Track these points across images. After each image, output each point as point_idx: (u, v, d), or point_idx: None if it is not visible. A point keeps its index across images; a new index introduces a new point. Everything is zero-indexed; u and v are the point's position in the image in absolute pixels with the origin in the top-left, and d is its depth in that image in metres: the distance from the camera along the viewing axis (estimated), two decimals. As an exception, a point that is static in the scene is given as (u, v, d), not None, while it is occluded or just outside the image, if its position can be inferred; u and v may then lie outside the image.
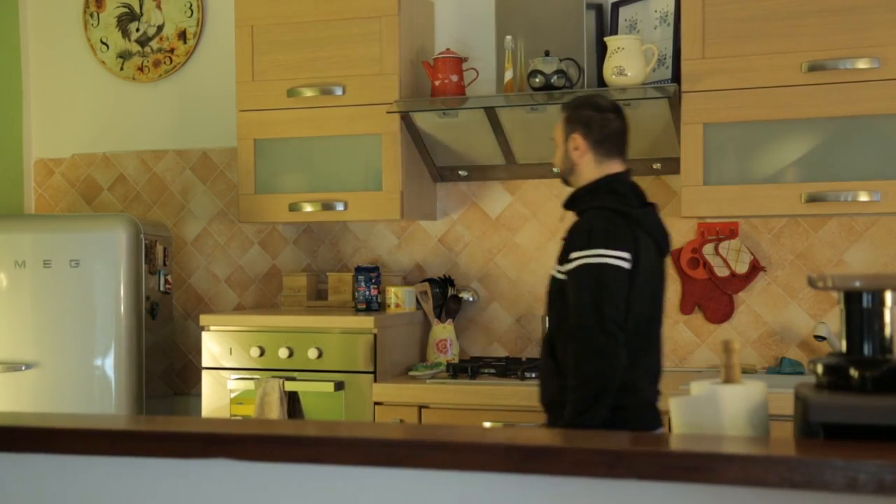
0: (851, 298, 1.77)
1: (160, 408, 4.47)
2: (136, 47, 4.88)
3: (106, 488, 1.94)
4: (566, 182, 3.14)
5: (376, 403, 3.88)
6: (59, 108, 5.03)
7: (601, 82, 3.92)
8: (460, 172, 4.33)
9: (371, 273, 4.27)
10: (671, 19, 3.93)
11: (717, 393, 1.80)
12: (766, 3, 3.70)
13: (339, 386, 3.92)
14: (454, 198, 4.43)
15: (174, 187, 4.84)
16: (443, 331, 4.25)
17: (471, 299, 4.36)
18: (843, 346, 1.78)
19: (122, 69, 4.91)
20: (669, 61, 3.92)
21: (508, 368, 3.95)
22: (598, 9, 4.12)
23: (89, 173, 4.97)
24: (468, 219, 4.42)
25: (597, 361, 2.84)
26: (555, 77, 3.90)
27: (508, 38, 4.03)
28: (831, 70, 3.62)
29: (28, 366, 4.25)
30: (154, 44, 4.85)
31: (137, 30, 4.88)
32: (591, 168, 3.05)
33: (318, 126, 4.22)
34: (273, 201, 4.29)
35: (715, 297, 4.10)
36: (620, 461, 1.64)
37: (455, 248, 4.43)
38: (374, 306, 4.26)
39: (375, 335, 3.92)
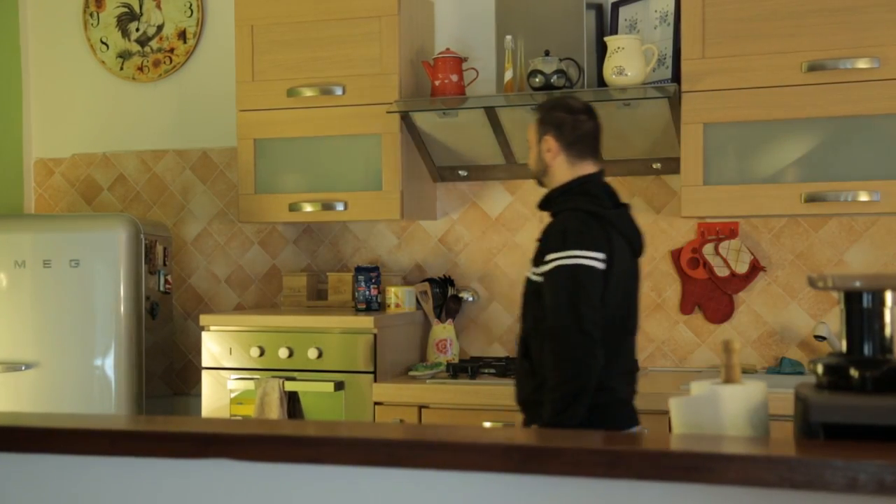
0: (851, 298, 1.77)
1: (160, 408, 4.47)
2: (135, 47, 4.88)
3: (106, 488, 1.94)
4: (540, 183, 3.17)
5: (376, 403, 3.88)
6: (59, 108, 5.03)
7: (601, 82, 3.92)
8: (460, 172, 4.33)
9: (371, 273, 4.27)
10: (671, 19, 3.93)
11: (717, 393, 1.80)
12: (766, 3, 3.70)
13: (339, 386, 3.92)
14: (454, 198, 4.43)
15: (174, 187, 4.84)
16: (443, 331, 4.25)
17: (471, 299, 4.36)
18: (844, 346, 1.78)
19: (121, 69, 4.91)
20: (669, 61, 3.92)
21: (508, 368, 3.95)
22: (598, 9, 4.12)
23: (89, 173, 4.97)
24: (468, 219, 4.42)
25: (575, 362, 2.86)
26: (555, 77, 3.90)
27: (508, 37, 4.03)
28: (831, 70, 3.62)
29: (28, 366, 4.25)
30: (154, 44, 4.85)
31: (137, 30, 4.88)
32: (564, 169, 3.08)
33: (318, 126, 4.22)
34: (273, 201, 4.29)
35: (715, 297, 4.10)
36: (620, 461, 1.64)
37: (455, 248, 4.43)
38: (374, 306, 4.26)
39: (375, 335, 3.92)
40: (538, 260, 2.99)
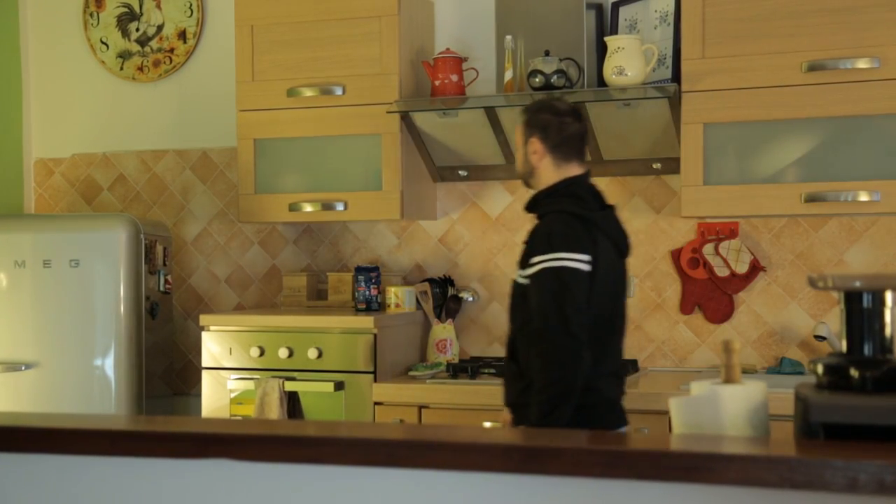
0: (852, 298, 1.77)
1: (160, 408, 4.47)
2: (135, 47, 4.88)
3: (106, 488, 1.94)
4: (527, 185, 3.19)
5: (376, 403, 3.88)
6: (59, 108, 5.03)
7: (601, 82, 3.92)
8: (460, 172, 4.33)
9: (371, 273, 4.27)
10: (671, 19, 3.93)
11: (717, 393, 1.80)
12: (766, 3, 3.70)
13: (339, 386, 3.92)
14: (454, 198, 4.43)
15: (174, 187, 4.84)
16: (443, 331, 4.25)
17: (471, 299, 4.36)
18: (844, 346, 1.78)
19: (121, 69, 4.91)
20: (669, 61, 3.92)
21: (508, 368, 3.95)
22: (598, 8, 4.12)
23: (89, 173, 4.97)
24: (468, 219, 4.42)
25: (561, 364, 2.88)
26: (555, 77, 3.90)
27: (508, 37, 4.03)
28: (831, 70, 3.62)
29: (28, 366, 4.25)
30: (154, 43, 4.85)
31: (137, 30, 4.88)
32: (549, 171, 3.09)
33: (318, 126, 4.22)
34: (273, 201, 4.29)
35: (715, 297, 4.10)
36: (620, 461, 1.64)
37: (455, 248, 4.43)
38: (374, 306, 4.26)
39: (375, 335, 3.92)
40: (524, 262, 3.01)
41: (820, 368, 1.77)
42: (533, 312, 2.94)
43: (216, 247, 4.78)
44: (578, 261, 2.91)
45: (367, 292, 4.26)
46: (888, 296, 1.75)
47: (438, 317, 4.30)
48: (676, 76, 3.86)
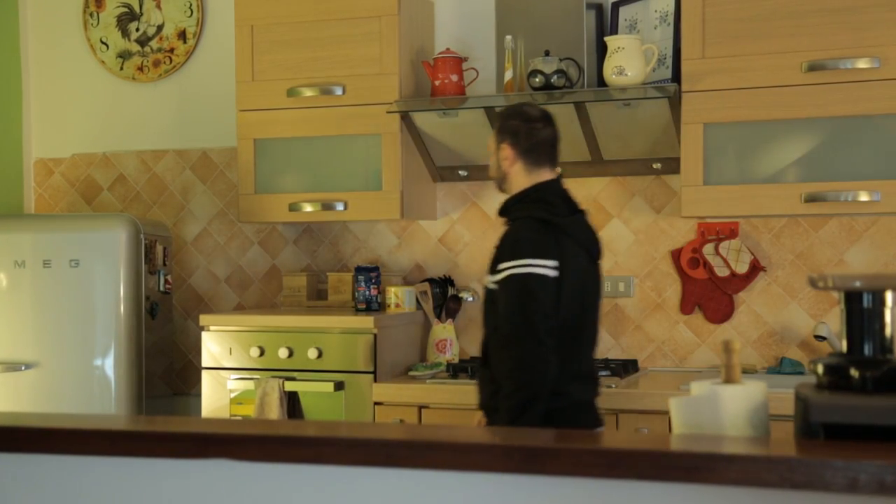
0: (852, 298, 1.77)
1: (160, 408, 4.47)
2: (135, 47, 4.88)
3: (106, 488, 1.93)
4: (500, 190, 3.23)
5: (376, 403, 3.88)
6: (59, 108, 5.03)
7: (601, 82, 3.92)
8: (460, 172, 4.33)
9: (371, 273, 4.27)
10: (671, 19, 3.93)
11: (717, 393, 1.80)
12: (766, 3, 3.70)
13: (339, 386, 3.92)
14: (454, 198, 4.43)
15: (174, 187, 4.84)
16: (443, 331, 4.25)
17: (471, 299, 4.36)
18: (844, 346, 1.78)
19: (121, 69, 4.91)
20: (669, 61, 3.92)
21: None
22: (598, 8, 4.12)
23: (89, 173, 4.97)
24: (468, 219, 4.42)
25: (528, 369, 2.93)
26: (555, 77, 3.90)
27: (508, 37, 4.03)
28: (831, 70, 3.62)
29: (28, 366, 4.24)
30: (154, 43, 4.85)
31: (137, 29, 4.88)
32: (521, 177, 3.13)
33: (318, 126, 4.22)
34: (273, 201, 4.29)
35: (715, 297, 4.10)
36: (620, 461, 1.64)
37: (455, 248, 4.43)
38: (374, 306, 4.26)
39: (375, 335, 3.92)
40: (493, 268, 3.06)
41: (820, 368, 1.77)
42: (501, 318, 2.99)
43: (216, 247, 4.78)
44: (545, 267, 2.96)
45: (367, 292, 4.26)
46: (888, 296, 1.75)
47: (438, 317, 4.30)
48: (676, 76, 3.86)
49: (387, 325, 4.02)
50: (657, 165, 4.10)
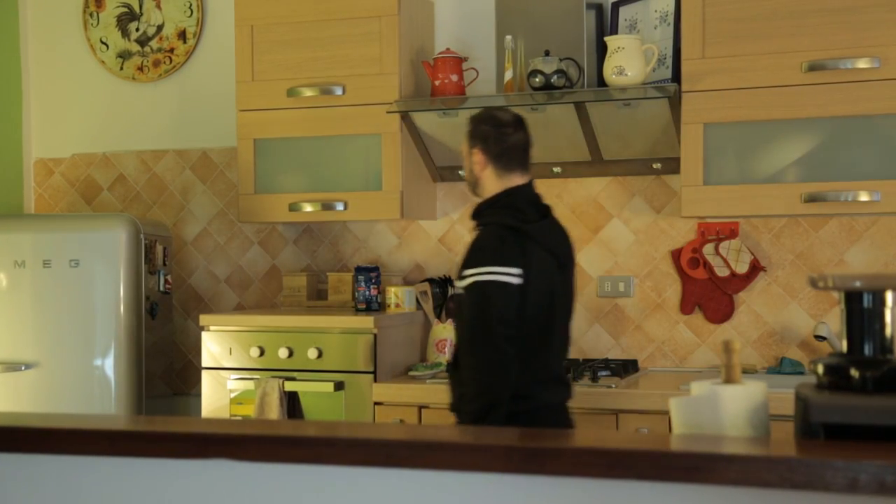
0: (852, 298, 1.77)
1: (160, 408, 4.47)
2: (135, 47, 4.88)
3: (106, 488, 1.93)
4: (474, 194, 3.26)
5: (376, 403, 3.88)
6: (59, 108, 5.03)
7: (601, 82, 3.92)
8: (460, 172, 4.32)
9: (371, 273, 4.26)
10: (671, 19, 3.93)
11: (717, 393, 1.80)
12: (766, 3, 3.70)
13: (339, 386, 3.92)
14: (454, 198, 4.43)
15: (174, 187, 4.84)
16: (443, 331, 4.25)
17: (471, 299, 4.36)
18: (844, 346, 1.78)
19: (121, 69, 4.91)
20: (669, 61, 3.92)
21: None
22: (598, 8, 4.12)
23: (89, 173, 4.97)
24: (468, 219, 4.40)
25: (487, 375, 2.98)
26: (555, 77, 3.90)
27: (508, 37, 4.03)
28: (831, 70, 3.62)
29: (28, 366, 4.24)
30: (154, 43, 4.85)
31: (137, 29, 4.88)
32: (492, 181, 3.17)
33: (318, 126, 4.22)
34: (273, 201, 4.29)
35: (715, 297, 4.10)
36: (620, 461, 1.64)
37: (455, 248, 4.43)
38: (374, 306, 4.26)
39: (375, 335, 3.92)
40: (460, 274, 3.10)
41: (820, 368, 1.77)
42: (464, 324, 3.05)
43: (216, 247, 4.78)
44: (507, 274, 2.99)
45: (367, 292, 4.26)
46: (888, 296, 1.75)
47: (438, 317, 4.30)
48: (676, 76, 3.86)
49: (387, 325, 4.02)
50: (657, 165, 4.10)
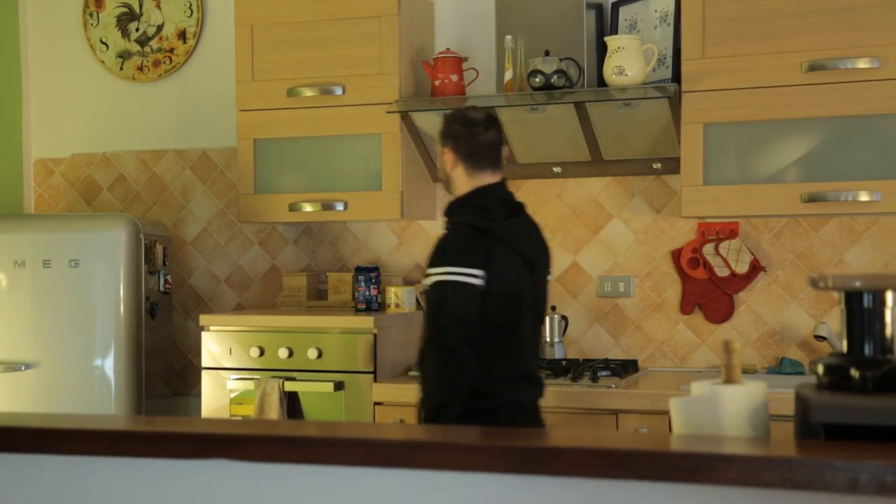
0: (852, 298, 1.76)
1: (160, 408, 4.47)
2: (135, 47, 4.88)
3: (106, 488, 1.93)
4: (448, 192, 3.28)
5: (376, 403, 3.88)
6: (58, 108, 5.03)
7: (601, 82, 3.92)
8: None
9: (371, 273, 4.26)
10: (671, 19, 3.93)
11: (717, 393, 1.80)
12: (766, 3, 3.70)
13: (339, 386, 3.92)
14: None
15: (174, 187, 4.84)
16: (443, 331, 4.24)
17: (471, 299, 4.35)
18: (844, 346, 1.78)
19: (121, 69, 4.91)
20: (669, 61, 3.92)
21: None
22: (598, 8, 4.12)
23: (89, 173, 4.97)
24: (468, 219, 4.41)
25: (442, 375, 3.02)
26: (555, 77, 3.90)
27: (508, 37, 4.03)
28: (831, 70, 3.62)
29: (28, 366, 4.24)
30: (154, 43, 4.85)
31: (137, 29, 4.88)
32: (463, 180, 3.20)
33: (318, 126, 4.22)
34: (273, 201, 4.29)
35: (715, 297, 4.10)
36: (620, 462, 1.64)
37: (455, 248, 4.42)
38: (374, 306, 4.26)
39: (375, 335, 3.92)
40: (426, 273, 3.13)
41: (820, 368, 1.77)
42: (425, 322, 3.10)
43: (216, 247, 4.77)
44: (468, 275, 3.02)
45: (367, 292, 4.26)
46: (888, 296, 1.75)
47: (438, 317, 4.29)
48: (676, 76, 3.86)
49: (387, 325, 4.02)
50: (657, 165, 4.10)
